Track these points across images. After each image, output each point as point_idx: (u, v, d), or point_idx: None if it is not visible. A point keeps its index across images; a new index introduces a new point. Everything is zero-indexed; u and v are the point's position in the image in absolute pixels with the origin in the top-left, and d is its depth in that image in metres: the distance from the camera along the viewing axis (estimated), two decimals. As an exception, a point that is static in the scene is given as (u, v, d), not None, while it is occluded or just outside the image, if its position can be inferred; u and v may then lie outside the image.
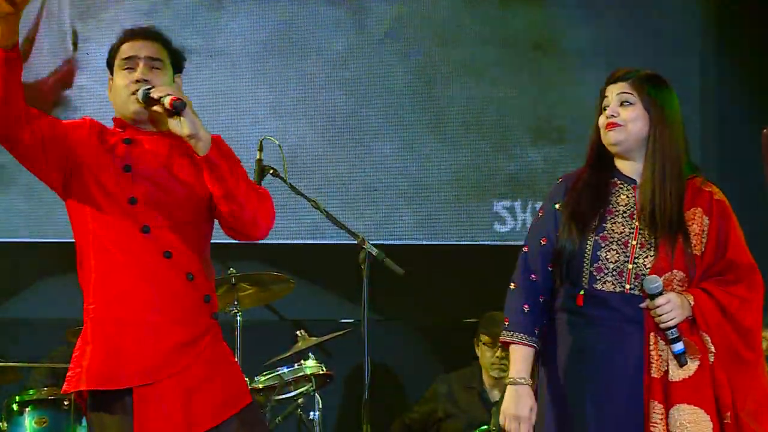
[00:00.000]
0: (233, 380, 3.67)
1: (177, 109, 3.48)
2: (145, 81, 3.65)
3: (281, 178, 5.49)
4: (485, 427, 6.12)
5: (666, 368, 3.66)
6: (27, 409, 5.86)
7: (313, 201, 5.52)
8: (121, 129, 3.72)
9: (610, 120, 3.76)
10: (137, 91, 3.63)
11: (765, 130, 5.72)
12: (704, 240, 3.73)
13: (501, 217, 7.21)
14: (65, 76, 7.08)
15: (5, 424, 5.83)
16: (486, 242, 7.18)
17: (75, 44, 7.09)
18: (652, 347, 3.67)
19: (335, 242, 6.28)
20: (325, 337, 6.10)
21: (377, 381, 5.65)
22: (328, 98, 7.17)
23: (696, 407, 3.63)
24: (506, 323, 3.81)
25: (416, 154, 7.17)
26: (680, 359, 3.65)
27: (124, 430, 3.50)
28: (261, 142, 5.58)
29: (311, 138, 7.12)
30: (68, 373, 3.62)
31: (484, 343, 6.33)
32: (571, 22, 7.31)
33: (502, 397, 6.22)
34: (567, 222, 3.77)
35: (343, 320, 6.73)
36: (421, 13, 7.29)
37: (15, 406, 5.87)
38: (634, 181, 3.80)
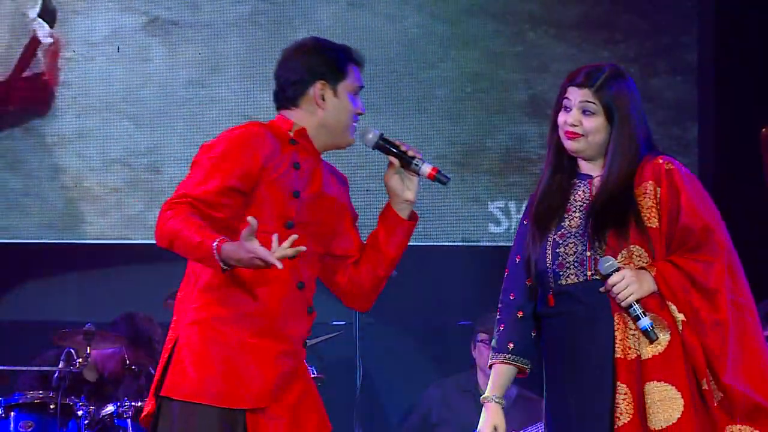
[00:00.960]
0: (319, 398, 3.73)
1: (440, 182, 3.61)
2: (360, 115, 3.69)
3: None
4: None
5: (637, 349, 3.64)
6: (12, 414, 5.85)
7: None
8: (296, 141, 3.65)
9: (571, 129, 3.76)
10: (355, 126, 3.66)
11: (764, 130, 5.66)
12: (659, 211, 3.71)
13: (496, 218, 7.18)
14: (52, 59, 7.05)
15: (-10, 428, 5.84)
16: (481, 243, 7.15)
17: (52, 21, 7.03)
18: (617, 329, 3.66)
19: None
20: (317, 340, 6.07)
21: (369, 384, 5.63)
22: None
23: (666, 384, 3.61)
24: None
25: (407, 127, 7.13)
26: (649, 335, 3.63)
27: None
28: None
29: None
30: (166, 381, 3.53)
31: (481, 341, 6.29)
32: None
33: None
34: (530, 232, 3.82)
35: (334, 322, 6.68)
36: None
37: (0, 410, 5.84)
38: (590, 177, 3.81)
